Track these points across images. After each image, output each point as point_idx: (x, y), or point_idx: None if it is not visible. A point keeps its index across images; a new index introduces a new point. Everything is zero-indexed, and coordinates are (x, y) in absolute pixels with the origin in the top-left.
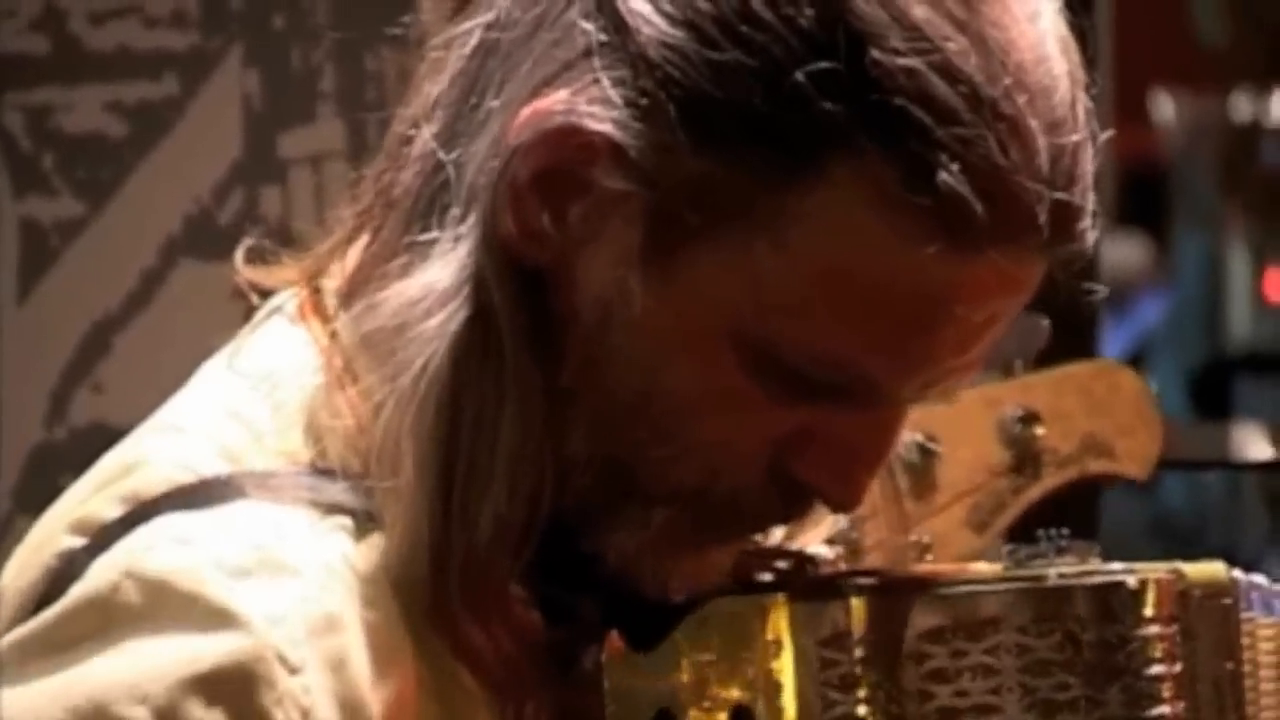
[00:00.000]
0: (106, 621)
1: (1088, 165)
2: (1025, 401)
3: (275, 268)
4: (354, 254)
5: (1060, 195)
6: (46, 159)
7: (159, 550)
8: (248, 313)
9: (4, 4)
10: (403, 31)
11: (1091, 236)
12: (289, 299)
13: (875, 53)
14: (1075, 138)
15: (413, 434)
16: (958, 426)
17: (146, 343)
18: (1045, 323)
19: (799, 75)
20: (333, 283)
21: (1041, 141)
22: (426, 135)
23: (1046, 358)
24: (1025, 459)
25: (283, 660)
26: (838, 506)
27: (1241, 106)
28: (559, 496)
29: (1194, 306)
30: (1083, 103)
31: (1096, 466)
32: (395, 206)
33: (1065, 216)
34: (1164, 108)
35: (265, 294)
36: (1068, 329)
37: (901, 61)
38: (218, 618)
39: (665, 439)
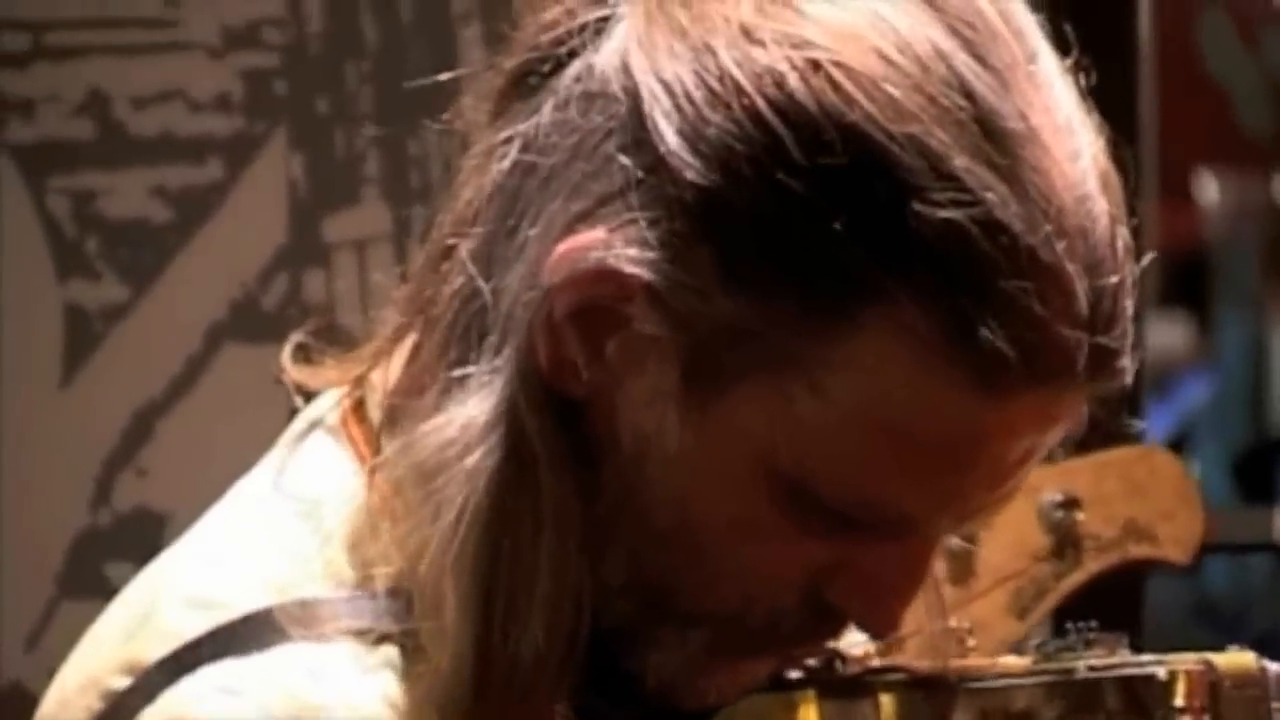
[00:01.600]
0: None
1: (1127, 303)
2: (1066, 487)
3: (319, 368)
4: (397, 363)
5: (1100, 339)
6: (90, 243)
7: (206, 702)
8: (291, 401)
9: (49, 89)
10: (446, 119)
11: (1130, 372)
12: (330, 409)
13: (915, 205)
14: (1115, 279)
15: (454, 573)
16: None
17: (190, 428)
18: (1084, 407)
19: (835, 224)
20: (375, 396)
21: (1081, 285)
22: (464, 254)
23: (1091, 441)
24: (1066, 544)
25: None
26: (874, 633)
27: None
28: (597, 620)
29: (1238, 388)
30: (1123, 239)
31: (1138, 551)
32: (433, 326)
33: (1104, 357)
34: (1207, 188)
35: (305, 392)
36: (1111, 412)
37: (941, 214)
38: None
39: (701, 566)
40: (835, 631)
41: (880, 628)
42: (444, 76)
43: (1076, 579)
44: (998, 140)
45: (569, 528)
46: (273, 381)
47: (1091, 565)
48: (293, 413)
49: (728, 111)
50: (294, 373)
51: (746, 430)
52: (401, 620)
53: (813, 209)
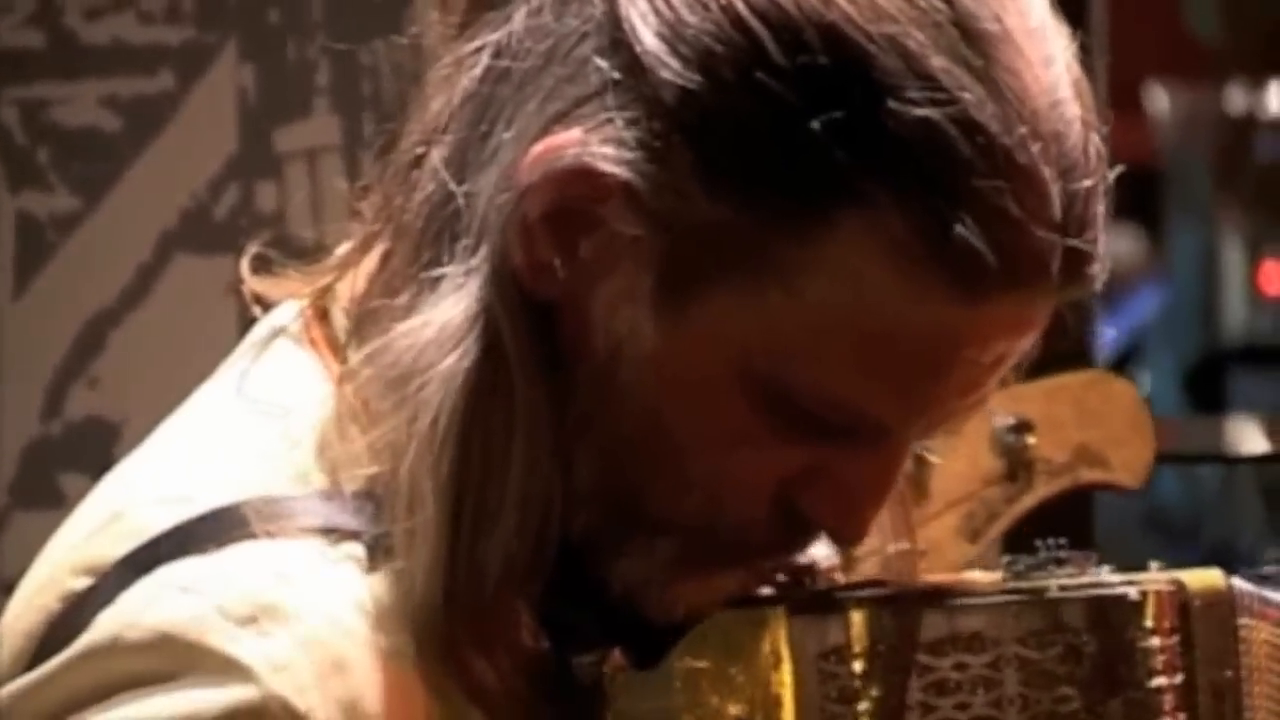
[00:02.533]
0: (107, 676)
1: (1099, 208)
2: (1018, 411)
3: (280, 279)
4: (362, 273)
5: (1072, 242)
6: (42, 153)
7: (162, 601)
8: (242, 311)
9: None
10: (400, 30)
11: (1100, 277)
12: (292, 319)
13: (891, 103)
14: (1087, 182)
15: (433, 473)
16: (951, 436)
17: (142, 338)
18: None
19: (814, 124)
20: (339, 305)
21: (1055, 189)
22: (436, 161)
23: (1042, 355)
24: (1018, 468)
25: (288, 709)
26: (842, 541)
27: (1236, 100)
28: (566, 527)
29: (1189, 300)
30: (1095, 145)
31: (1090, 476)
32: (404, 233)
33: (1076, 262)
34: (1158, 101)
35: (263, 302)
36: (1062, 325)
37: (918, 113)
38: (221, 668)
39: (672, 472)
40: (804, 543)
41: (849, 536)
42: None
43: (1027, 503)
44: (974, 42)
45: (540, 430)
46: (224, 292)
47: (1042, 489)
48: (248, 322)
49: (706, 13)
50: (253, 283)
51: (721, 333)
52: (369, 522)
53: (791, 109)
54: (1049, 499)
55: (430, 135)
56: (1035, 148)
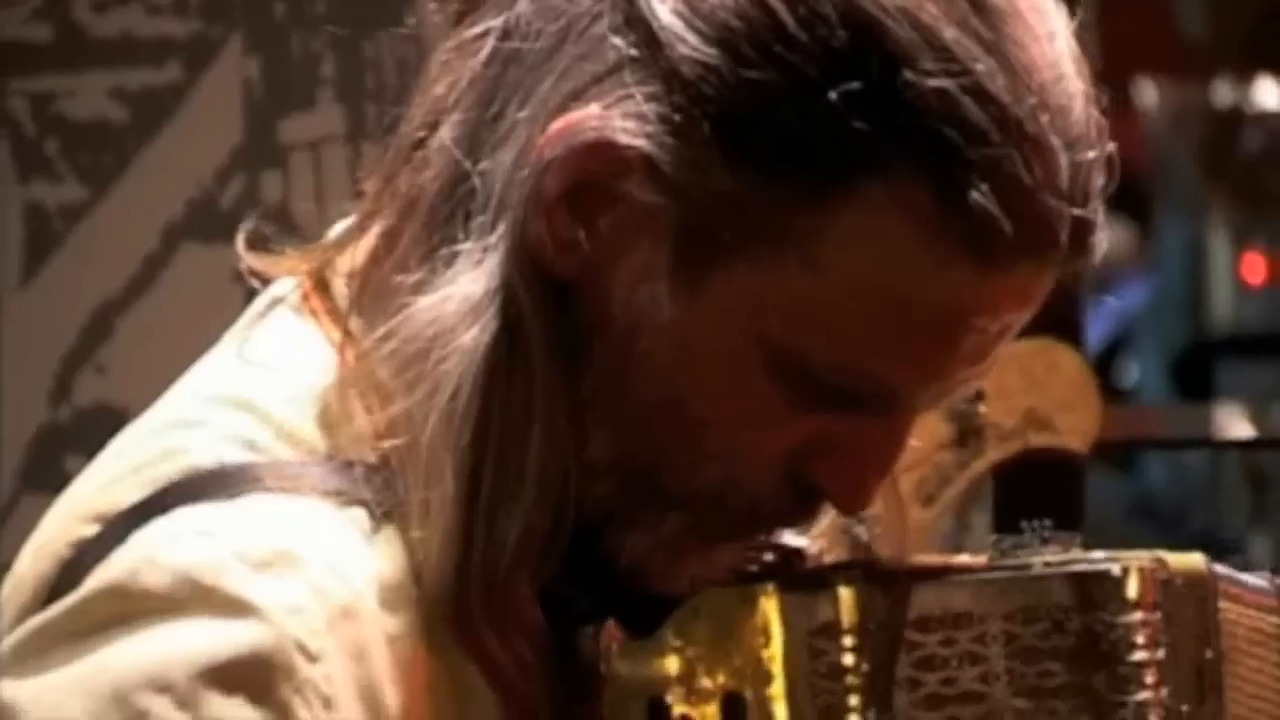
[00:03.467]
0: (127, 609)
1: (1100, 180)
2: None
3: (279, 257)
4: (362, 248)
5: (1079, 211)
6: (51, 144)
7: (181, 542)
8: (248, 297)
9: None
10: (402, 23)
11: (1100, 249)
12: (290, 290)
13: (907, 74)
14: (1091, 154)
15: (451, 447)
16: None
17: (149, 325)
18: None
19: (832, 95)
20: (339, 277)
21: (1063, 159)
22: (446, 140)
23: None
24: (969, 433)
25: (302, 649)
26: (847, 510)
27: (1223, 94)
28: (578, 502)
29: (1176, 290)
30: (1095, 119)
31: (1038, 440)
32: (414, 211)
33: (1082, 231)
34: (1147, 96)
35: (265, 280)
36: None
37: (933, 83)
38: (238, 609)
39: (688, 445)
40: (812, 514)
41: (855, 505)
42: None
43: (978, 467)
44: (984, 15)
45: (559, 405)
46: (230, 279)
47: (993, 453)
48: (249, 303)
49: None
50: (251, 260)
51: (739, 303)
52: (376, 492)
53: (810, 81)
54: (1000, 465)
55: (435, 117)
56: (1044, 118)
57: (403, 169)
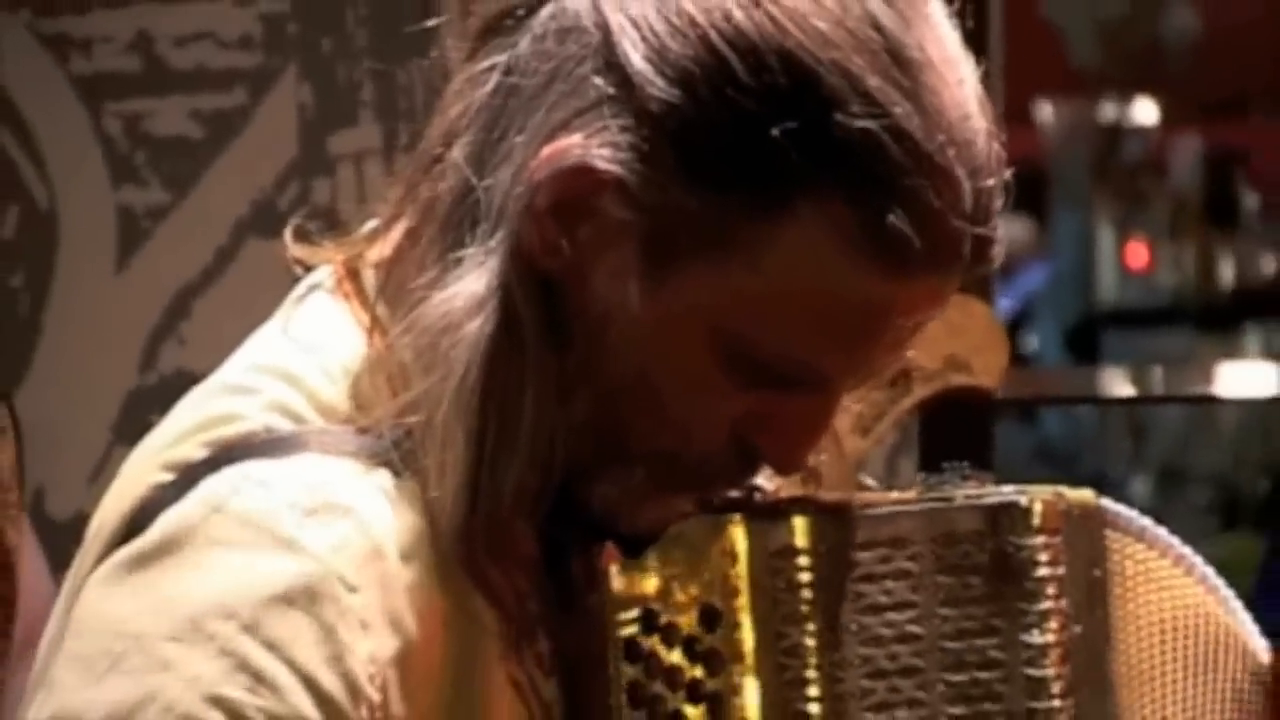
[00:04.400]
0: (198, 545)
1: (999, 202)
2: None
3: (319, 248)
4: (389, 242)
5: (980, 230)
6: (139, 156)
7: (243, 492)
8: (296, 284)
9: (104, 30)
10: (430, 54)
11: (999, 257)
12: (326, 276)
13: (838, 116)
14: (991, 181)
15: (461, 418)
16: None
17: (220, 305)
18: None
19: (774, 130)
20: (369, 268)
21: (967, 186)
22: (458, 157)
23: None
24: (898, 375)
25: (344, 581)
26: (783, 471)
27: (1108, 111)
28: (564, 457)
29: (1069, 273)
30: (995, 151)
31: (957, 380)
32: (431, 216)
33: (983, 246)
34: (1044, 113)
35: (308, 267)
36: (966, 294)
37: (858, 124)
38: (291, 548)
39: (651, 413)
40: (751, 472)
41: (789, 467)
42: (430, 23)
43: (906, 404)
44: (902, 66)
45: (547, 381)
46: (286, 269)
47: (920, 391)
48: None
49: (686, 40)
50: (295, 250)
51: (695, 300)
52: (394, 454)
53: (756, 118)
54: (927, 400)
55: (450, 136)
56: (951, 153)
57: (422, 179)
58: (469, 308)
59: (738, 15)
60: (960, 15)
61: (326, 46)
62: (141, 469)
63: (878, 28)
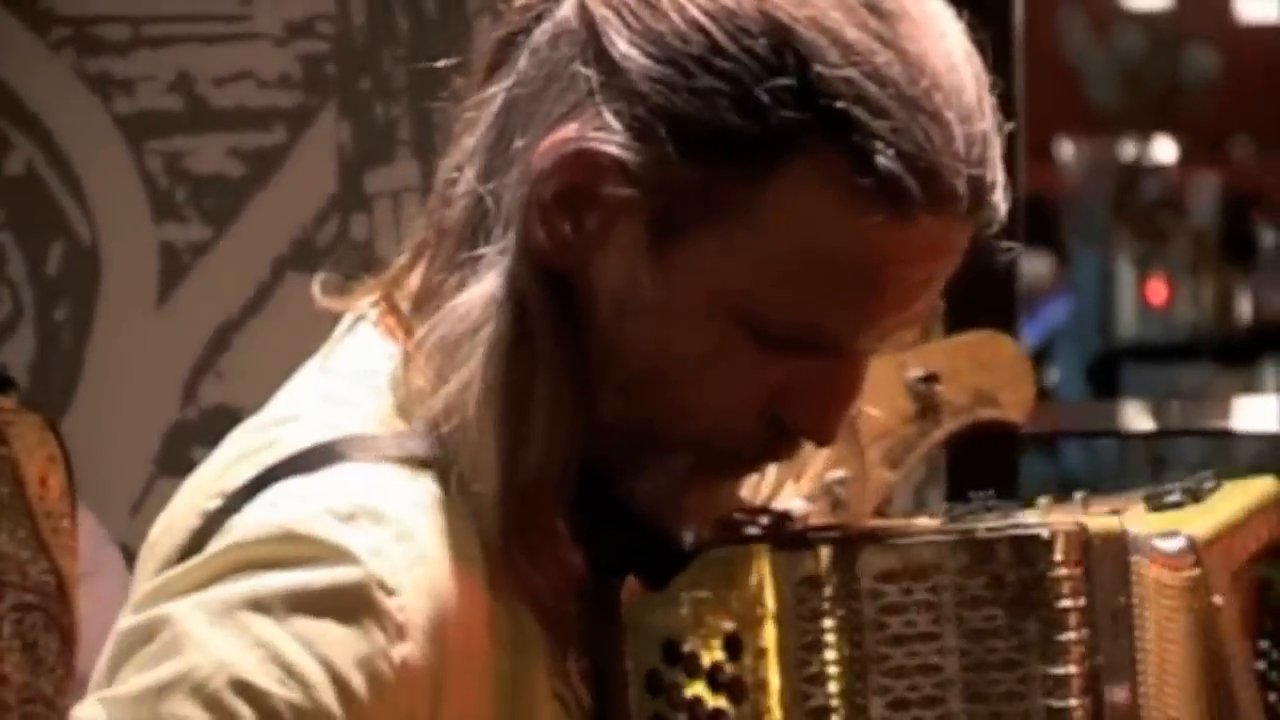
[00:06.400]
0: (241, 560)
1: (996, 148)
2: (927, 364)
3: (350, 295)
4: (416, 275)
5: (975, 171)
6: (180, 193)
7: (281, 505)
8: (337, 318)
9: (146, 70)
10: (446, 94)
11: (1004, 205)
12: (370, 309)
13: (819, 67)
14: (984, 126)
15: (489, 417)
16: (874, 384)
17: (259, 340)
18: (940, 304)
19: (759, 92)
20: (405, 299)
21: (958, 129)
22: (470, 176)
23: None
24: (928, 409)
25: (382, 585)
26: (818, 441)
27: (1127, 151)
28: (595, 453)
29: (1089, 309)
30: (988, 100)
31: (985, 414)
32: (447, 235)
33: (981, 188)
34: (1064, 151)
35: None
36: (996, 319)
37: (840, 72)
38: (329, 552)
39: (676, 399)
40: (787, 452)
41: (823, 435)
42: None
43: (936, 437)
44: (880, 17)
45: (560, 373)
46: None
47: (949, 424)
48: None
49: (666, 18)
50: (326, 303)
51: (703, 272)
52: (438, 456)
53: (741, 82)
54: (955, 434)
55: (463, 161)
56: (938, 96)
57: (441, 205)
58: (486, 308)
59: None
60: (983, 53)
61: (365, 85)
62: (192, 499)
63: None
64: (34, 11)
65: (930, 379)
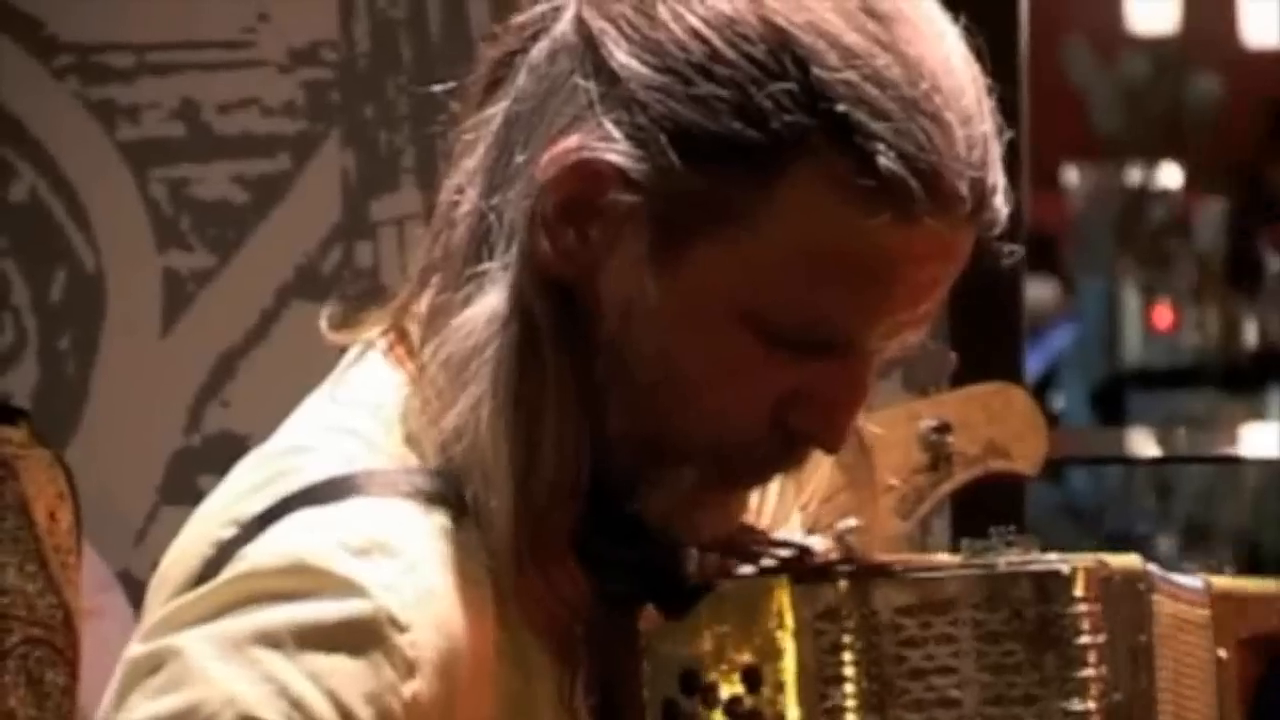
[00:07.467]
0: (249, 591)
1: (996, 151)
2: (939, 415)
3: (358, 325)
4: (425, 300)
5: (976, 173)
6: (184, 220)
7: (293, 536)
8: (343, 348)
9: (150, 97)
10: (443, 120)
11: (1005, 208)
12: (379, 338)
13: (818, 71)
14: (984, 128)
15: (499, 437)
16: (886, 435)
17: (264, 368)
18: (953, 355)
19: (760, 97)
20: (414, 324)
21: (958, 131)
22: (472, 196)
23: (980, 377)
24: (939, 459)
25: (393, 621)
26: (828, 447)
27: (1132, 176)
28: (606, 468)
29: (1095, 335)
30: (987, 103)
31: (996, 465)
32: (452, 256)
33: (983, 190)
34: (1070, 177)
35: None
36: (997, 355)
37: (840, 76)
38: (341, 586)
39: (686, 409)
40: (797, 460)
41: (832, 440)
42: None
43: (947, 487)
44: (878, 20)
45: (568, 386)
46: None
47: (960, 476)
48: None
49: (664, 27)
50: (334, 337)
51: (709, 278)
52: (450, 490)
53: (741, 88)
54: (966, 483)
55: (465, 182)
56: (938, 98)
57: (444, 225)
58: (491, 324)
59: None
60: (989, 79)
61: (369, 113)
62: (205, 528)
63: None
64: (38, 39)
65: (942, 429)
